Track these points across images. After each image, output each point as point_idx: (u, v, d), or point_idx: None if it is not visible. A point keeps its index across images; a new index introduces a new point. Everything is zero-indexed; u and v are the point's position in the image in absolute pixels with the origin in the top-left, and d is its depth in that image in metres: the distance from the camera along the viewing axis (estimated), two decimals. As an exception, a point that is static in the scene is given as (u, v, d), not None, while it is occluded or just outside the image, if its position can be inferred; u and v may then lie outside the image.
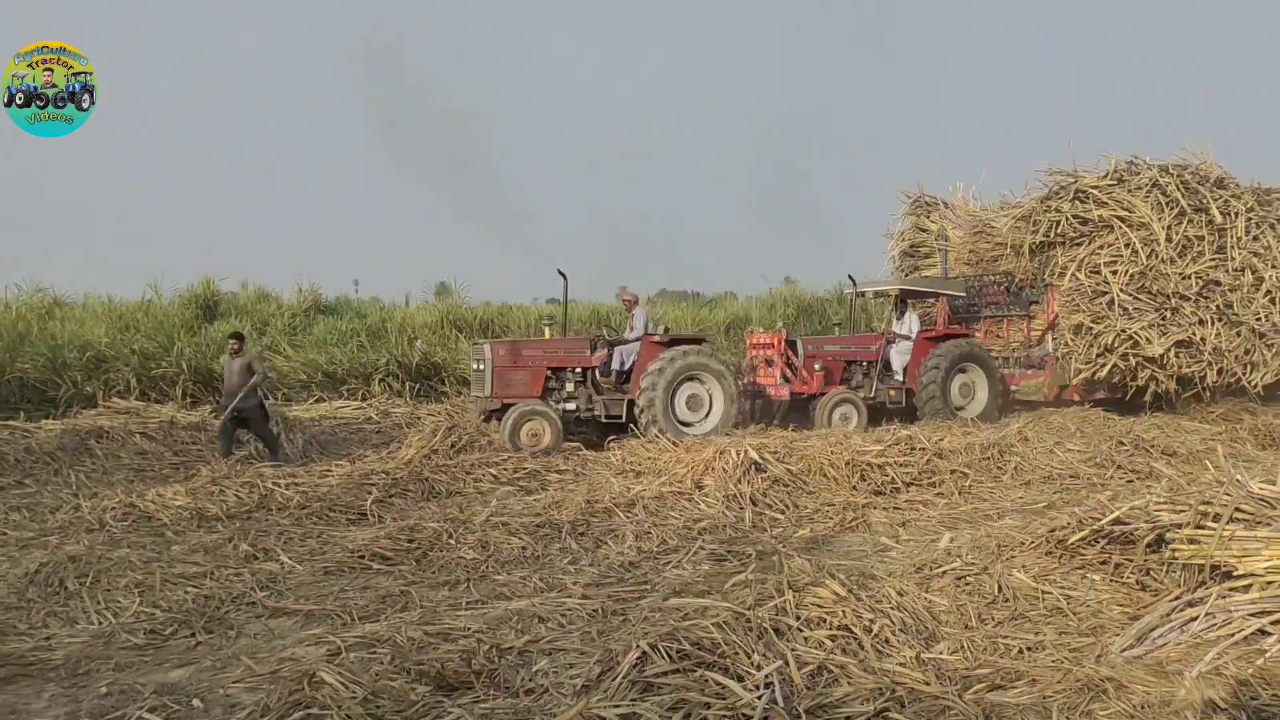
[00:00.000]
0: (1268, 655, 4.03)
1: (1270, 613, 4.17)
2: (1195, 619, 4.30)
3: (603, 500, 7.85)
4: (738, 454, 8.46)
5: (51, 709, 4.12)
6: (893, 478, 8.78)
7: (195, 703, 4.10)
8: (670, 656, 3.85)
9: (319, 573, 6.22)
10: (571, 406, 11.70)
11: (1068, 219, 13.47)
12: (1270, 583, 4.36)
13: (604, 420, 11.72)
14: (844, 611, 4.55)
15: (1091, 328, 13.38)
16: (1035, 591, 5.15)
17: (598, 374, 12.10)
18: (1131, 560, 5.36)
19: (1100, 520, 5.62)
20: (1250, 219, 13.80)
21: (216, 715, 3.95)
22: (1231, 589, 4.48)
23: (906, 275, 17.55)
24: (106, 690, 4.29)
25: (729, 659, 3.90)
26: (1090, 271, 13.40)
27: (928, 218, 17.88)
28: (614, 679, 3.70)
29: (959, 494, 8.60)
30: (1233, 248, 13.50)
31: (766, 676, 3.78)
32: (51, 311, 21.21)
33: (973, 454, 9.60)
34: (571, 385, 11.80)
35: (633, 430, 11.36)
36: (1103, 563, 5.48)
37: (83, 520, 7.56)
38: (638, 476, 8.99)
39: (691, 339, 12.69)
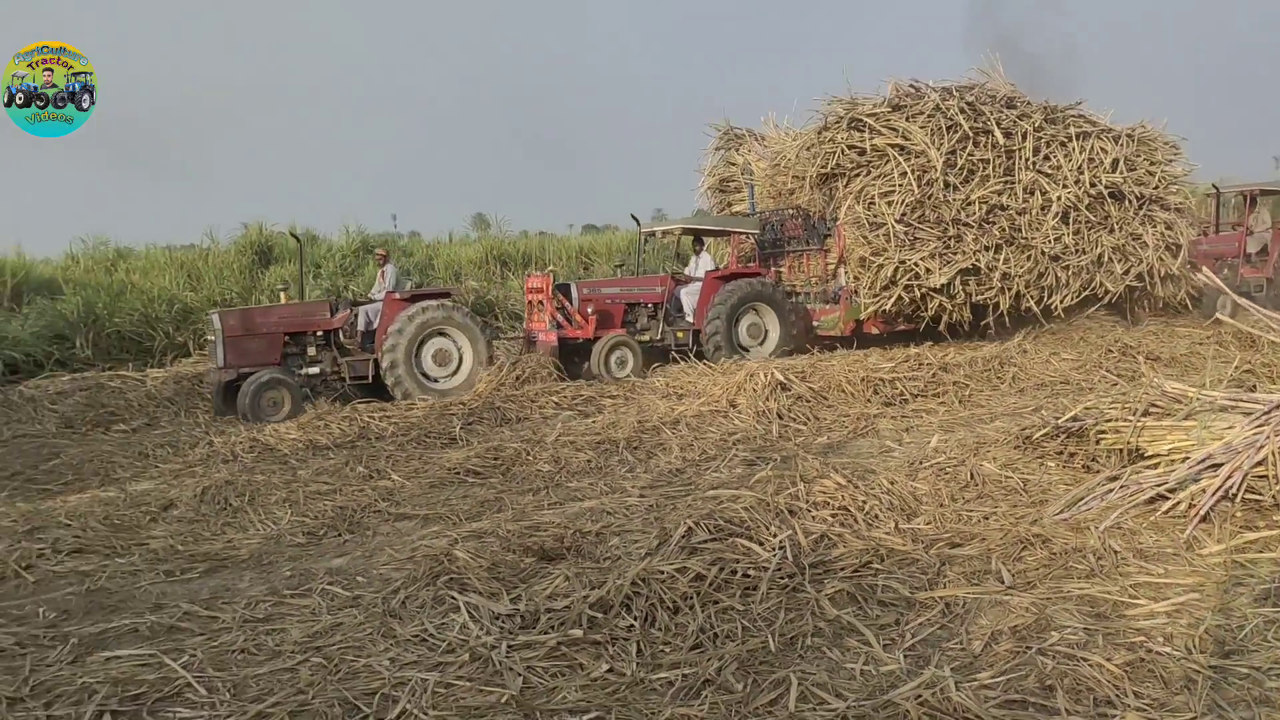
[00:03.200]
0: (1159, 513, 5.33)
1: (1167, 483, 5.45)
2: (1112, 490, 5.60)
3: (651, 420, 9.23)
4: (765, 376, 9.79)
5: (254, 587, 5.57)
6: (902, 390, 10.08)
7: (359, 579, 5.54)
8: (709, 530, 5.22)
9: (425, 486, 7.67)
10: (315, 371, 11.71)
11: (843, 150, 13.08)
12: (1171, 461, 5.64)
13: (349, 382, 11.77)
14: (844, 496, 5.90)
15: (872, 260, 13.00)
16: (1000, 477, 6.44)
17: (342, 335, 12.06)
18: (1084, 450, 6.66)
19: (1060, 419, 6.92)
20: (1040, 138, 13.61)
21: (378, 585, 5.37)
22: (1145, 467, 5.77)
23: (718, 211, 17.28)
24: (290, 573, 5.76)
25: (753, 530, 5.26)
26: (867, 203, 13.01)
27: (737, 151, 17.28)
28: (669, 546, 5.08)
29: (959, 402, 9.90)
30: (1020, 170, 13.37)
31: (780, 541, 5.14)
32: (116, 264, 22.88)
33: (975, 367, 10.88)
34: (313, 349, 11.76)
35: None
36: (1059, 453, 6.77)
37: (218, 453, 9.07)
38: (680, 399, 10.35)
39: (436, 294, 12.56)
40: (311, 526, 6.74)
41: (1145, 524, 5.29)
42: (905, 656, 4.06)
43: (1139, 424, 5.89)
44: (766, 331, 13.45)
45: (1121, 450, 6.02)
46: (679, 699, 3.77)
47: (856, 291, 13.42)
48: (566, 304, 13.01)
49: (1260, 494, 5.20)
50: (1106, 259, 13.92)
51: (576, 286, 13.28)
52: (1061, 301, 13.72)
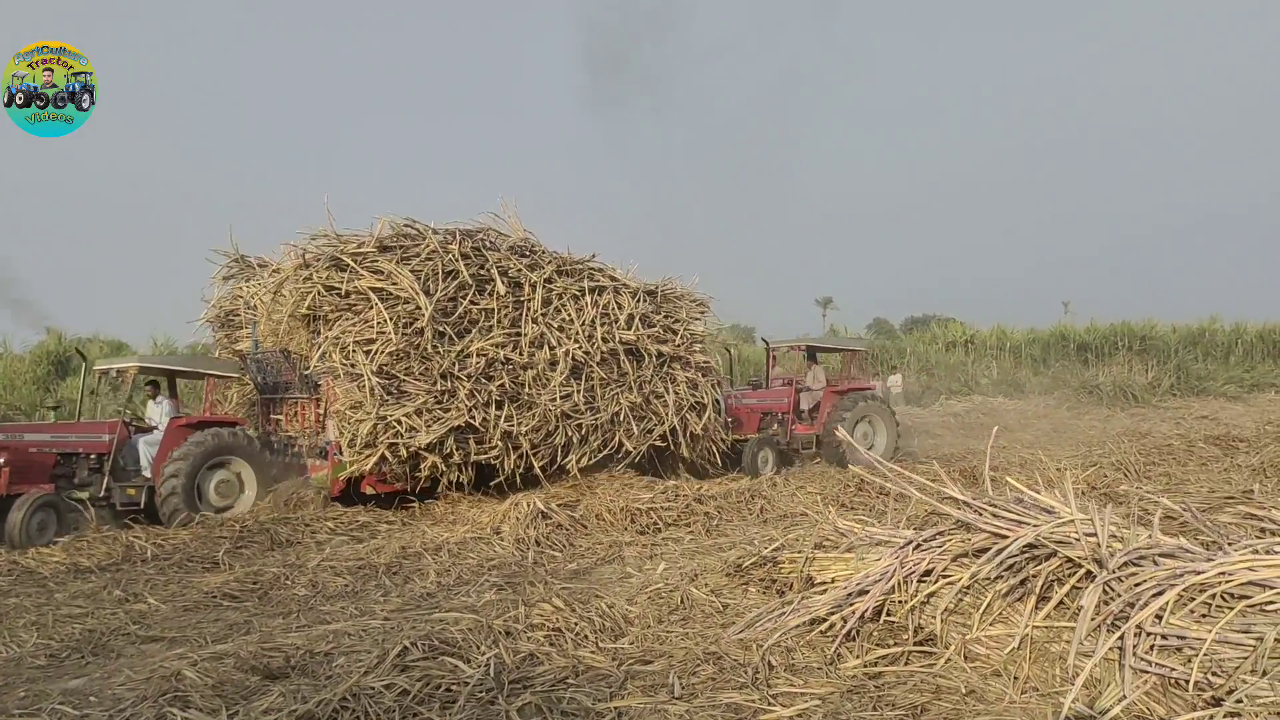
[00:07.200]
0: (816, 632, 6.25)
1: (825, 606, 6.39)
2: (784, 613, 6.50)
3: (415, 546, 9.76)
4: (528, 505, 10.50)
5: (-17, 709, 5.80)
6: (656, 520, 10.95)
7: (91, 699, 5.85)
8: (424, 650, 5.82)
9: (180, 610, 7.95)
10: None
11: (320, 291, 11.94)
12: (835, 586, 6.60)
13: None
14: (559, 619, 6.61)
15: (351, 415, 11.86)
16: (705, 601, 7.29)
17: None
18: (780, 577, 7.59)
19: (763, 550, 7.87)
20: (551, 290, 13.24)
21: (108, 705, 5.69)
22: (816, 593, 6.72)
23: (224, 347, 15.76)
24: (24, 694, 6.00)
25: (464, 650, 5.89)
26: (345, 352, 11.88)
27: (247, 281, 15.39)
28: (384, 664, 5.65)
29: (706, 532, 10.81)
30: (526, 322, 12.86)
31: (487, 660, 5.79)
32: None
33: (728, 499, 11.88)
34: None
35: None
36: (761, 580, 7.70)
37: (-29, 577, 9.05)
38: (451, 525, 10.91)
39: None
40: (55, 649, 6.94)
41: (803, 642, 6.19)
42: (564, 758, 4.74)
43: (811, 555, 6.87)
44: (242, 488, 12.39)
45: (798, 577, 6.97)
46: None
47: (341, 448, 12.30)
48: None
49: (894, 616, 6.19)
50: (624, 418, 13.71)
51: None
52: (579, 461, 13.31)
